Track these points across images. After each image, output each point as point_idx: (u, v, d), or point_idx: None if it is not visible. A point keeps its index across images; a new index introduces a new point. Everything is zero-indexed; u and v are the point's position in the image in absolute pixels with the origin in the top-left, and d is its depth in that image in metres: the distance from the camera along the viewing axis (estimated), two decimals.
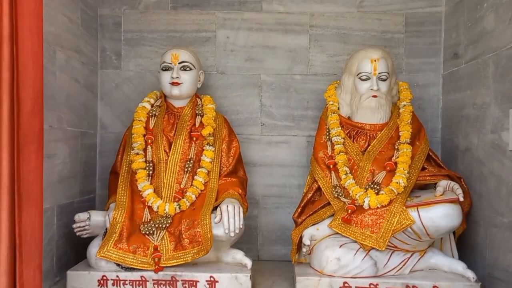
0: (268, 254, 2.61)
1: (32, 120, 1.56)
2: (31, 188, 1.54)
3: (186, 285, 1.95)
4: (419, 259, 2.02)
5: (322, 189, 2.20)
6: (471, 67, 2.26)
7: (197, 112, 2.36)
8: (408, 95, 2.32)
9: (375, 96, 2.21)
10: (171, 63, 2.30)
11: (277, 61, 2.66)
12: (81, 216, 2.09)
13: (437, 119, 2.61)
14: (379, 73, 2.20)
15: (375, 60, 2.20)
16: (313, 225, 2.10)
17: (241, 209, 2.07)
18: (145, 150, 2.26)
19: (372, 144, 2.23)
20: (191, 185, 2.21)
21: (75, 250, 2.27)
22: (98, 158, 2.67)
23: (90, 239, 2.13)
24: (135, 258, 1.97)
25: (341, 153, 2.21)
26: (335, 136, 2.25)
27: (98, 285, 1.96)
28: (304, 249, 2.08)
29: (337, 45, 2.64)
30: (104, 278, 1.96)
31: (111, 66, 2.69)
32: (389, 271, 1.99)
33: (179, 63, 2.29)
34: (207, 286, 1.95)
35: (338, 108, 2.33)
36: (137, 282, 1.96)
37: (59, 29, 2.14)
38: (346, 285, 1.92)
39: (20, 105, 1.51)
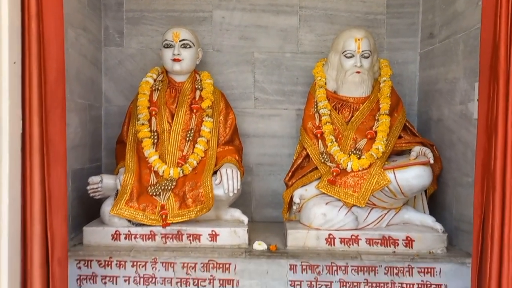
0: (260, 216, 2.87)
1: (57, 89, 1.77)
2: (57, 149, 1.76)
3: (191, 238, 2.21)
4: (394, 215, 2.31)
5: (310, 156, 2.46)
6: (444, 46, 2.51)
7: (196, 86, 2.57)
8: (388, 71, 2.57)
9: (358, 72, 2.44)
10: (172, 41, 2.50)
11: (269, 40, 2.88)
12: (94, 179, 2.32)
13: (414, 93, 2.88)
14: (362, 51, 2.43)
15: (358, 39, 2.43)
16: (302, 186, 2.36)
17: (238, 172, 2.31)
18: (149, 121, 2.48)
19: (355, 115, 2.48)
20: (192, 152, 2.44)
21: (86, 211, 2.50)
22: (103, 129, 2.88)
23: (98, 202, 2.36)
24: (144, 215, 2.21)
25: (327, 124, 2.46)
26: (322, 108, 2.49)
27: (112, 239, 2.20)
28: (294, 207, 2.34)
29: (324, 25, 2.87)
30: (117, 233, 2.20)
31: (114, 44, 2.88)
32: (368, 225, 2.27)
33: (180, 41, 2.50)
34: (209, 238, 2.21)
35: (325, 83, 2.57)
36: (147, 236, 2.21)
37: (69, 9, 2.32)
38: (331, 236, 2.20)
39: (46, 76, 1.72)
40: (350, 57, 2.44)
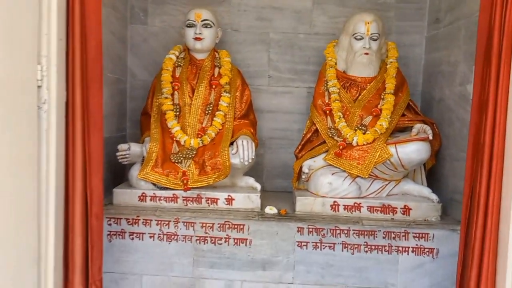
0: (271, 186, 3.11)
1: (95, 64, 1.99)
2: (95, 118, 1.99)
3: (209, 202, 2.45)
4: (394, 186, 2.53)
5: (319, 130, 2.67)
6: (448, 31, 2.68)
7: (215, 64, 2.78)
8: (395, 53, 2.74)
9: (366, 54, 2.62)
10: (194, 21, 2.69)
11: (284, 21, 3.06)
12: (123, 146, 2.56)
13: (419, 75, 3.05)
14: (371, 34, 2.60)
15: (368, 23, 2.60)
16: (311, 158, 2.59)
17: (253, 144, 2.54)
18: (172, 95, 2.70)
19: (362, 94, 2.68)
20: (211, 124, 2.66)
21: (113, 175, 2.75)
22: (128, 102, 3.11)
23: (124, 167, 2.60)
24: (168, 180, 2.45)
25: (336, 101, 2.66)
26: (332, 87, 2.69)
27: (139, 200, 2.46)
28: (303, 176, 2.57)
29: (336, 8, 3.04)
30: (144, 194, 2.46)
31: (139, 22, 3.08)
32: (370, 194, 2.49)
33: (202, 21, 2.69)
34: (226, 202, 2.45)
35: (336, 63, 2.76)
36: (170, 198, 2.45)
37: None
38: (336, 203, 2.43)
39: (87, 53, 1.94)
40: (360, 39, 2.62)
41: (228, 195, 2.46)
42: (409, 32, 3.04)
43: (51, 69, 1.80)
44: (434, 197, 2.44)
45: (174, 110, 2.66)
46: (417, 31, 3.03)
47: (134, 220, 2.38)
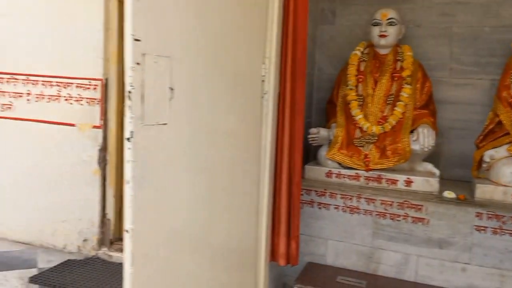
0: (448, 175, 3.19)
1: (301, 63, 2.45)
2: (299, 106, 2.46)
3: (389, 182, 2.74)
4: None
5: (503, 122, 2.71)
6: None
7: (398, 58, 3.02)
8: None
9: None
10: (380, 20, 2.98)
11: (469, 15, 3.11)
12: (313, 130, 3.01)
13: None
14: None
15: None
16: (493, 148, 2.66)
17: (433, 132, 2.73)
18: (356, 86, 3.04)
19: None
20: (392, 113, 2.92)
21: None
22: (314, 93, 3.56)
23: (309, 148, 3.02)
24: (351, 161, 2.82)
25: None
26: None
27: (325, 176, 2.88)
28: (484, 165, 2.66)
29: None
30: (330, 172, 2.87)
31: (327, 22, 3.49)
32: None
33: (387, 19, 2.96)
34: (404, 184, 2.71)
35: None
36: (352, 177, 2.82)
37: None
38: None
39: (296, 54, 2.41)
40: None
41: (407, 178, 2.71)
42: None
43: (271, 67, 2.31)
44: None
45: (358, 100, 3.00)
46: None
47: (321, 193, 2.80)
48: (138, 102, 1.52)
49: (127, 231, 1.52)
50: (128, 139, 1.51)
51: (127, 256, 1.52)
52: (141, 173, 1.54)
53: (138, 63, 1.50)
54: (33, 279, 2.85)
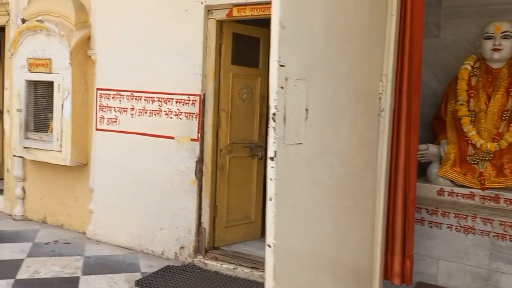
0: None
1: (416, 80, 2.46)
2: (415, 121, 2.46)
3: (508, 202, 2.62)
4: None
5: None
6: None
7: None
8: None
9: None
10: (493, 33, 2.88)
11: None
12: (423, 146, 2.95)
13: None
14: None
15: None
16: None
17: None
18: (467, 101, 2.95)
19: None
20: (507, 130, 2.80)
21: None
22: None
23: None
24: (465, 179, 2.73)
25: None
26: None
27: (437, 194, 2.81)
28: None
29: None
30: (442, 190, 2.80)
31: (431, 35, 3.42)
32: None
33: (501, 33, 2.85)
34: None
35: None
36: (467, 196, 2.73)
37: None
38: None
39: (411, 71, 2.41)
40: None
41: None
42: None
43: (388, 85, 2.34)
44: None
45: (470, 116, 2.90)
46: None
47: (433, 211, 2.74)
48: (281, 123, 1.62)
49: (269, 245, 1.61)
50: (271, 158, 1.61)
51: (268, 270, 1.61)
52: (282, 190, 1.63)
53: (282, 87, 1.60)
54: (138, 283, 3.07)
